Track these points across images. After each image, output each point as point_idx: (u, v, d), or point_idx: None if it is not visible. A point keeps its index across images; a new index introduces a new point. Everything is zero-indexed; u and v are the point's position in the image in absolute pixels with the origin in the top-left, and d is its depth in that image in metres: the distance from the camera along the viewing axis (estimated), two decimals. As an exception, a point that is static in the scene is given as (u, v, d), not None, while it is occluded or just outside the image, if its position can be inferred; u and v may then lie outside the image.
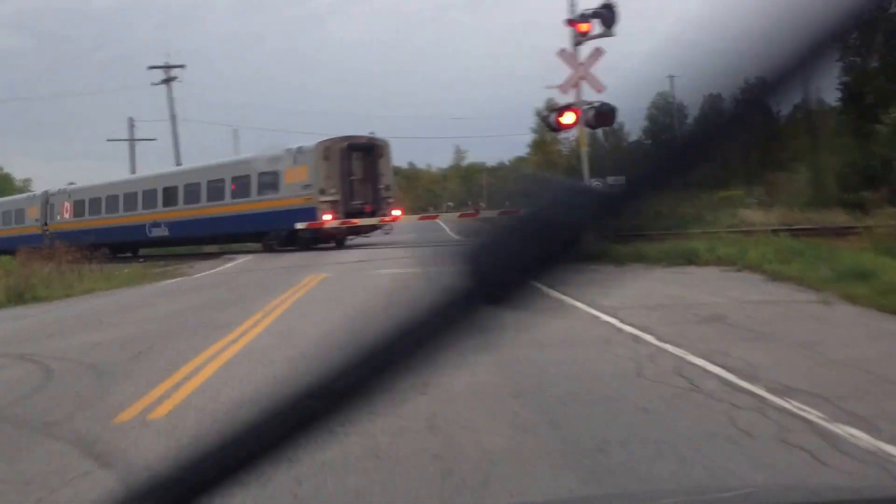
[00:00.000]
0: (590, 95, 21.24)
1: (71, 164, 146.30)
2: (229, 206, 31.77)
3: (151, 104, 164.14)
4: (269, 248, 31.51)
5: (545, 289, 0.88)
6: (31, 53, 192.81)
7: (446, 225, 40.45)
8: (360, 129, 31.74)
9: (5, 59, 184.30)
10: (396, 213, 30.96)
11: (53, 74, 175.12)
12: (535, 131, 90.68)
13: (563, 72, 20.99)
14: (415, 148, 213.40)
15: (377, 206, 29.68)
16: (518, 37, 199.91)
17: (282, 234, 29.09)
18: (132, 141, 56.22)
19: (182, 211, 33.66)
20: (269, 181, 30.30)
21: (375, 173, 30.24)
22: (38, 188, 50.59)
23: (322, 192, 28.35)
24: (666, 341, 7.96)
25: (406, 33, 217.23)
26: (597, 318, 9.69)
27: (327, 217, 28.18)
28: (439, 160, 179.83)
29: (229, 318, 11.49)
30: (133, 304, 16.00)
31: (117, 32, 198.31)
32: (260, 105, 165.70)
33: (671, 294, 11.83)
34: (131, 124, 56.40)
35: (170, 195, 34.46)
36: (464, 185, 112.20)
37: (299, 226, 28.69)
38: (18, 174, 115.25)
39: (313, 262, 25.18)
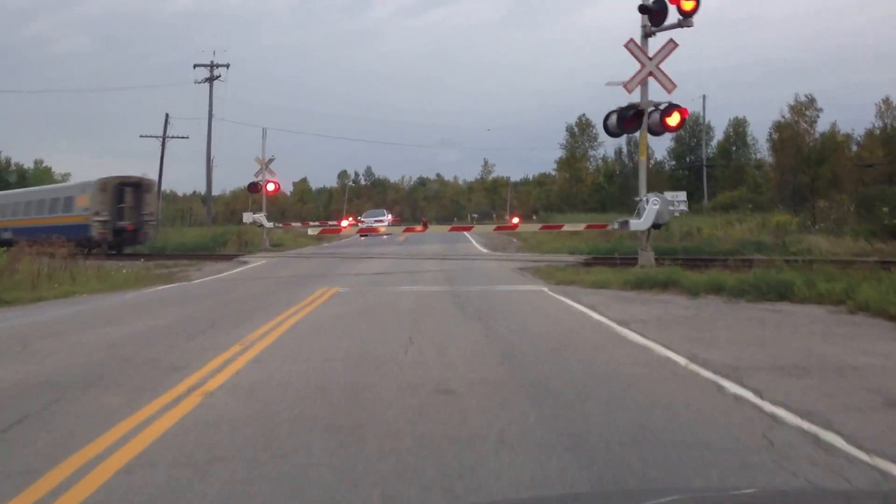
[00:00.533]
0: (657, 95, 18.14)
1: (114, 161, 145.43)
2: (46, 219, 41.29)
3: (186, 103, 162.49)
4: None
5: None
6: (91, 56, 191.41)
7: (472, 237, 37.35)
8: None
9: (65, 61, 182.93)
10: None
11: (107, 76, 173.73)
12: (563, 147, 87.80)
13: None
14: (442, 160, 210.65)
15: (139, 227, 40.31)
16: (556, 53, 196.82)
17: (73, 240, 33.94)
18: (164, 138, 53.87)
19: (20, 220, 43.81)
20: (68, 204, 41.05)
21: (141, 203, 40.57)
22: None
23: (97, 213, 38.56)
24: (873, 453, 4.76)
25: (444, 46, 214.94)
26: (740, 398, 6.44)
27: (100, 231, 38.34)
28: (466, 173, 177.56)
29: (189, 355, 8.36)
30: (90, 319, 13.00)
31: (177, 38, 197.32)
32: (290, 108, 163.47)
33: (800, 348, 8.63)
34: (167, 121, 54.11)
35: (13, 209, 45.54)
36: (488, 197, 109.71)
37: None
38: (59, 168, 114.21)
39: (329, 273, 22.18)
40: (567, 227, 22.70)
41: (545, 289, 16.31)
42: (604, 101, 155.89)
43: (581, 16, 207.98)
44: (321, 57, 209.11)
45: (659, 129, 18.11)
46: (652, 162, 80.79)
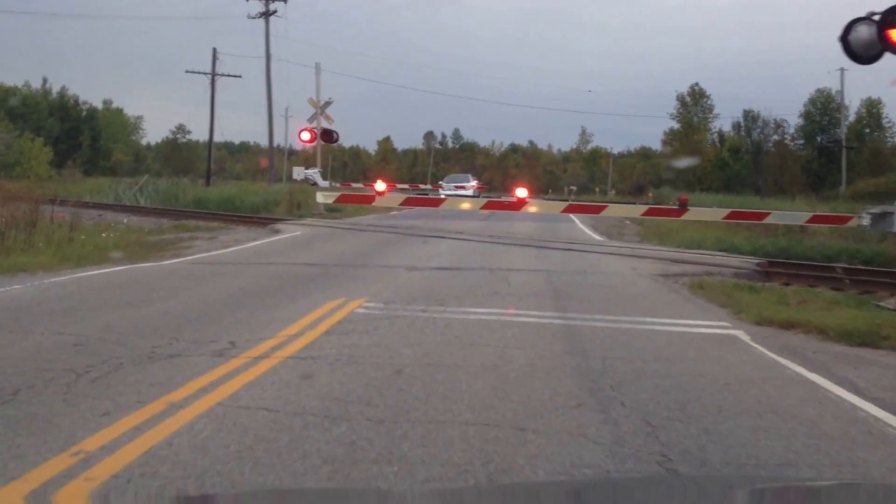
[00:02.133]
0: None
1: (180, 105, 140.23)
2: None
3: (239, 42, 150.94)
4: None
5: None
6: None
7: (574, 215, 29.30)
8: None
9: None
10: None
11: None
12: (674, 118, 78.01)
13: None
14: (538, 127, 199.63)
15: None
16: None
17: None
18: (214, 75, 47.05)
19: None
20: None
21: None
22: (150, 127, 46.29)
23: None
24: None
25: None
26: None
27: None
28: (561, 142, 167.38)
29: None
30: None
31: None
32: (347, 50, 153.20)
33: None
34: (214, 56, 47.27)
35: None
36: (586, 168, 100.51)
37: None
38: (131, 110, 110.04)
39: (370, 261, 14.75)
40: (774, 218, 14.28)
41: (743, 336, 8.45)
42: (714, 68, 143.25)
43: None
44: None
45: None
46: (772, 141, 70.62)
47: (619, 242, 20.23)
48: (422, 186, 49.01)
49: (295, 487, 3.89)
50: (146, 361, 6.46)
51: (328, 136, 31.23)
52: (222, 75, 47.31)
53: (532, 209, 16.29)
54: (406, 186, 42.52)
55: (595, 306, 10.00)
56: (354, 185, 43.80)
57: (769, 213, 13.58)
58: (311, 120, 31.54)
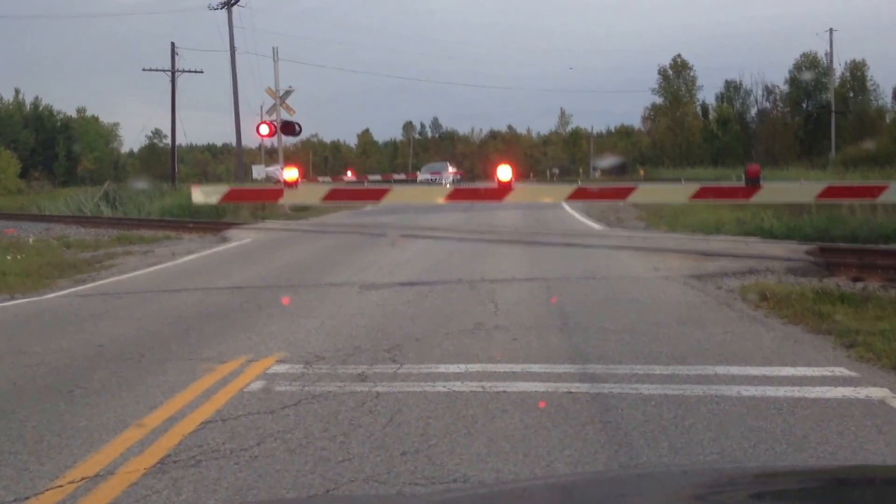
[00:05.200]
0: None
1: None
2: None
3: (198, 35, 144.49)
4: None
5: None
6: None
7: (567, 204, 25.62)
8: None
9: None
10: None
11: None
12: (656, 92, 74.09)
13: None
14: (517, 111, 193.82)
15: None
16: None
17: None
18: (174, 72, 42.91)
19: None
20: None
21: None
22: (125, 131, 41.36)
23: None
24: None
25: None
26: None
27: None
28: (540, 125, 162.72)
29: None
30: None
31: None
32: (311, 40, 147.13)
33: None
34: (173, 52, 43.04)
35: None
36: (566, 150, 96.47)
37: None
38: (107, 117, 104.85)
39: (318, 278, 11.08)
40: (892, 193, 10.06)
41: (891, 399, 4.77)
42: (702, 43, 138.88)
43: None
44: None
45: None
46: (755, 109, 66.92)
47: (623, 231, 16.50)
48: (395, 176, 44.99)
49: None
50: None
51: (289, 128, 27.32)
52: (183, 71, 43.14)
53: (519, 197, 11.89)
54: (378, 178, 38.62)
55: (627, 345, 6.31)
56: (322, 178, 39.72)
57: (885, 187, 9.56)
58: (270, 112, 27.62)
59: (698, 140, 61.55)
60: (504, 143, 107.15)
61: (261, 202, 19.52)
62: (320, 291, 9.73)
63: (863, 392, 4.92)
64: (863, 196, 10.79)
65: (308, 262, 13.05)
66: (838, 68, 66.16)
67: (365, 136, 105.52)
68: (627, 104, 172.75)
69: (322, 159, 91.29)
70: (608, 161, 63.27)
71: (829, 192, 9.75)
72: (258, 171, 27.19)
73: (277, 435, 4.51)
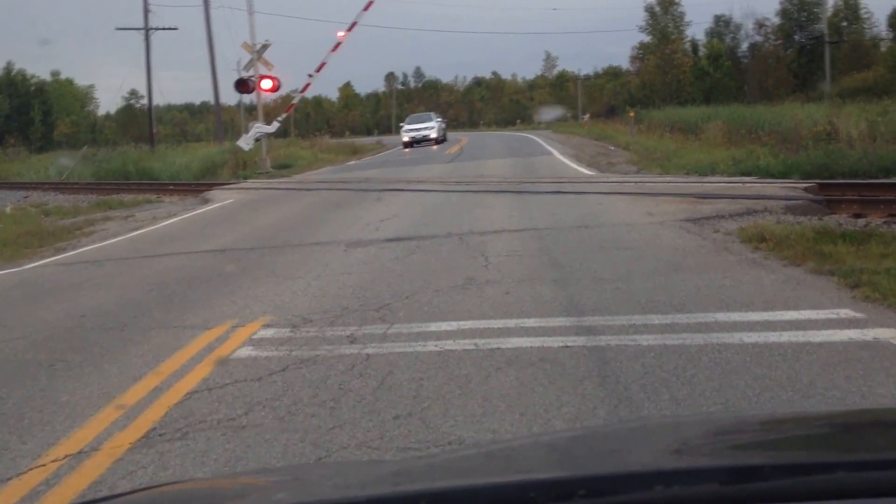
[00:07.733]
0: None
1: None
2: None
3: None
4: None
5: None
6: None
7: (550, 144, 25.40)
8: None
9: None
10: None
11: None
12: (643, 31, 73.01)
13: None
14: (501, 57, 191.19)
15: None
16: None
17: None
18: (147, 30, 42.05)
19: None
20: None
21: None
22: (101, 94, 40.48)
23: None
24: None
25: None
26: None
27: None
28: (526, 70, 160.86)
29: None
30: None
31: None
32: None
33: None
34: (146, 8, 42.08)
35: None
36: (553, 95, 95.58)
37: None
38: (82, 80, 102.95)
39: (305, 235, 10.93)
40: None
41: (898, 339, 4.70)
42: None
43: None
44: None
45: None
46: (746, 44, 66.14)
47: (615, 176, 16.29)
48: (367, 140, 44.30)
49: None
50: None
51: (271, 84, 26.90)
52: (157, 29, 42.26)
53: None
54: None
55: (623, 294, 6.19)
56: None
57: None
58: (247, 67, 27.06)
59: (689, 78, 60.89)
60: (489, 90, 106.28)
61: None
62: (305, 251, 9.58)
63: (870, 334, 4.83)
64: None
65: (292, 222, 12.86)
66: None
67: (346, 89, 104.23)
68: (615, 46, 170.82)
69: (304, 116, 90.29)
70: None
71: None
72: (244, 142, 26.37)
73: (266, 403, 4.40)
